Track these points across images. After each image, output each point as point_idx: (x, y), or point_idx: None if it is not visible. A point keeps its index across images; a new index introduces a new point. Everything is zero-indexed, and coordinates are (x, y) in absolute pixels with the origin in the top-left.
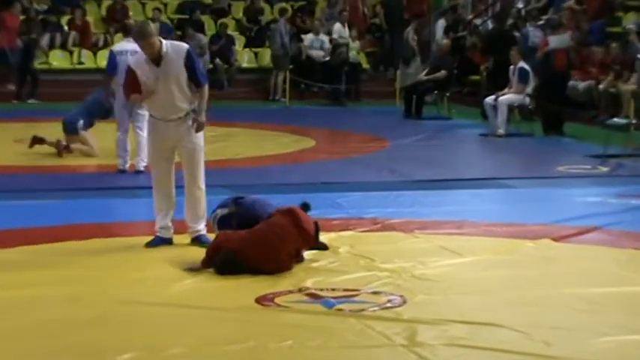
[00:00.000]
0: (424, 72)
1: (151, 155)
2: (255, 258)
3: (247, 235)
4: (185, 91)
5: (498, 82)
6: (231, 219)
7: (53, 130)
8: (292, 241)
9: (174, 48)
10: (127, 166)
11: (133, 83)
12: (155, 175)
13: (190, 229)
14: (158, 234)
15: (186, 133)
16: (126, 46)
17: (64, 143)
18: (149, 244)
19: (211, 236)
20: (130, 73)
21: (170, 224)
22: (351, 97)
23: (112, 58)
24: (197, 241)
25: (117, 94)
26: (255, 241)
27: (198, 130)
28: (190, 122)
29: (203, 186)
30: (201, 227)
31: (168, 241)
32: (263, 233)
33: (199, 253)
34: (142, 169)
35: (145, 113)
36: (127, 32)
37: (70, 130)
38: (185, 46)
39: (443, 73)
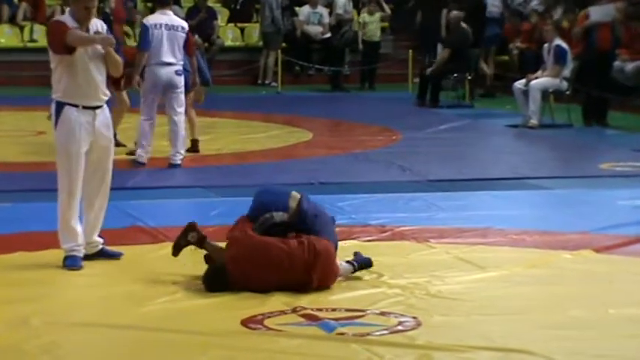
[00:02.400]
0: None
1: (68, 158)
2: (245, 274)
3: (252, 245)
4: (105, 75)
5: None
6: (285, 230)
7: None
8: (287, 276)
9: (97, 21)
10: (146, 159)
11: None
12: (72, 183)
13: (92, 243)
14: (77, 254)
15: (104, 126)
16: (161, 18)
17: None
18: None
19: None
20: (65, 24)
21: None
22: (365, 83)
23: (146, 31)
24: (102, 255)
25: (146, 73)
26: (253, 256)
27: (105, 41)
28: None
29: None
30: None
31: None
32: (272, 253)
33: (175, 268)
34: (179, 162)
35: (182, 95)
36: (162, 3)
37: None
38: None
39: (445, 52)
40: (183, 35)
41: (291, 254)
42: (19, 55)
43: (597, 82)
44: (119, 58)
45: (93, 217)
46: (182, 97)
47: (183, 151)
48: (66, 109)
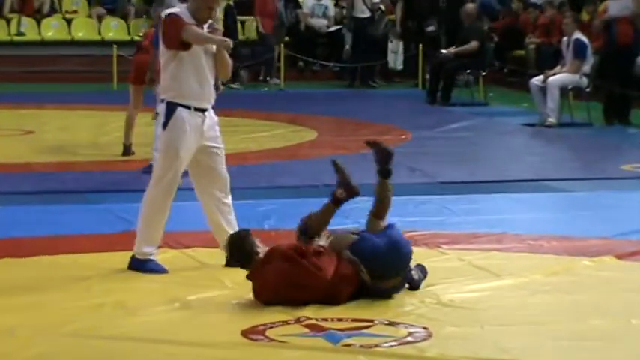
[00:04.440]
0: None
1: (177, 159)
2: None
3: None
4: (214, 75)
5: None
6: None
7: None
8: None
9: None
10: None
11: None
12: (167, 192)
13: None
14: (154, 257)
15: (212, 129)
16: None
17: None
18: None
19: None
20: (182, 19)
21: None
22: (371, 79)
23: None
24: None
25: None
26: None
27: (222, 44)
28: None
29: None
30: None
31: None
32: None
33: (173, 275)
34: None
35: None
36: None
37: None
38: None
39: (474, 44)
40: None
41: (317, 286)
42: (6, 50)
43: (619, 78)
44: (230, 60)
45: (227, 227)
46: None
47: None
48: (178, 110)
